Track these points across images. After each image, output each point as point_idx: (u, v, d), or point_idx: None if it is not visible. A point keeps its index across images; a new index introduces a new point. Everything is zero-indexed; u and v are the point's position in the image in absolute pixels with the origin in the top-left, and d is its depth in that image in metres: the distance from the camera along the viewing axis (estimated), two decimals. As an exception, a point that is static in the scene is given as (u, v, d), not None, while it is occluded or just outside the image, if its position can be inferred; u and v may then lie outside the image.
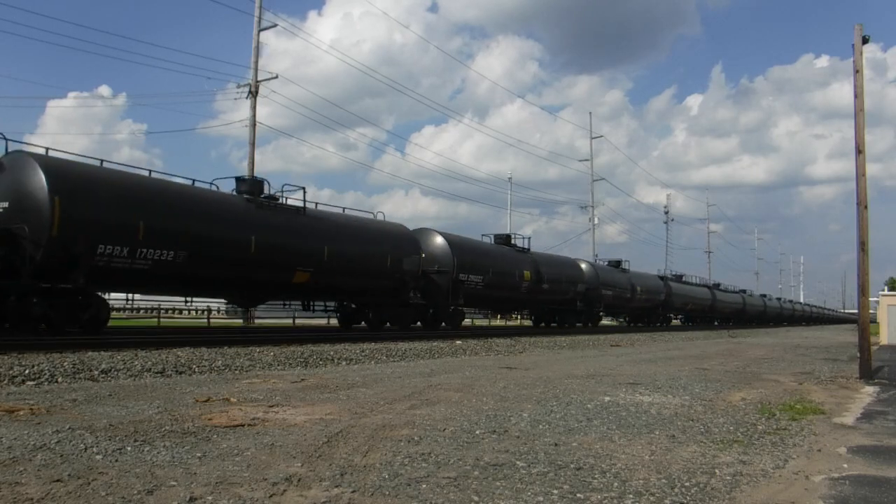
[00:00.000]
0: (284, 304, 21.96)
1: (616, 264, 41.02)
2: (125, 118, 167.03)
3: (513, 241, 29.85)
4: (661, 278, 47.40)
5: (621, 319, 48.82)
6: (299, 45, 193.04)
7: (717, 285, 61.05)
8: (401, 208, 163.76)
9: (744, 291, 70.25)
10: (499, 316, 41.85)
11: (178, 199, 16.09)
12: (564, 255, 36.95)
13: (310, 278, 18.69)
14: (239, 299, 20.40)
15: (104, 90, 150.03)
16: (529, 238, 31.33)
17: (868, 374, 10.98)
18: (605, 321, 45.39)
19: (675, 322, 51.96)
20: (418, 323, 24.32)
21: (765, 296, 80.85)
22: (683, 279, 52.92)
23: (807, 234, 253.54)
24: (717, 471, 4.35)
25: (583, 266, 35.35)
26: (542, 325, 34.26)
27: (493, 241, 29.21)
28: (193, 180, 17.54)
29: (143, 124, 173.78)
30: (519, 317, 43.34)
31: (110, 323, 16.13)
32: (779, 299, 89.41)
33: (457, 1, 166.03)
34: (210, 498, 3.42)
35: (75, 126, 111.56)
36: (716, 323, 54.43)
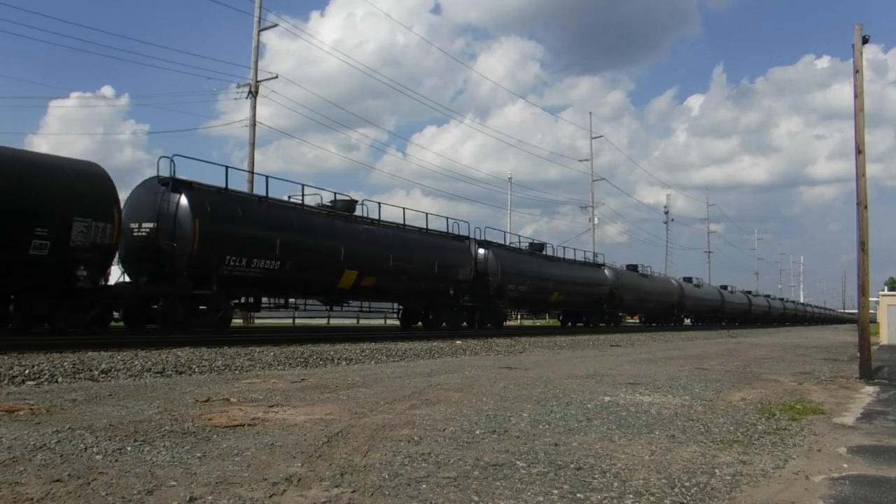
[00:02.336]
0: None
1: (634, 268, 43.42)
2: (127, 118, 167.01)
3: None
4: (675, 281, 50.16)
5: (633, 320, 51.17)
6: (302, 45, 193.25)
7: (724, 287, 62.31)
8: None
9: (749, 293, 71.00)
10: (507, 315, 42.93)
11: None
12: (589, 261, 38.86)
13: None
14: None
15: (107, 90, 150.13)
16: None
17: (868, 374, 10.98)
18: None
19: (686, 322, 53.78)
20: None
21: (768, 296, 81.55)
22: (694, 282, 54.97)
23: (807, 234, 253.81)
24: (717, 471, 4.35)
25: (606, 271, 38.02)
26: (570, 324, 37.80)
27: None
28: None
29: (145, 124, 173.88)
30: (519, 316, 44.36)
31: (112, 323, 16.38)
32: (781, 300, 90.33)
33: (459, 2, 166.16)
34: (210, 498, 3.42)
35: (77, 126, 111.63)
36: (723, 323, 55.28)
